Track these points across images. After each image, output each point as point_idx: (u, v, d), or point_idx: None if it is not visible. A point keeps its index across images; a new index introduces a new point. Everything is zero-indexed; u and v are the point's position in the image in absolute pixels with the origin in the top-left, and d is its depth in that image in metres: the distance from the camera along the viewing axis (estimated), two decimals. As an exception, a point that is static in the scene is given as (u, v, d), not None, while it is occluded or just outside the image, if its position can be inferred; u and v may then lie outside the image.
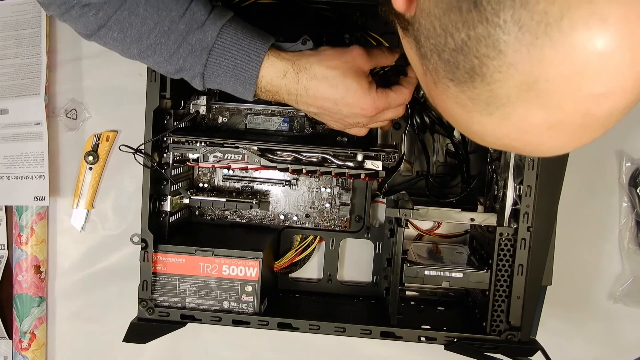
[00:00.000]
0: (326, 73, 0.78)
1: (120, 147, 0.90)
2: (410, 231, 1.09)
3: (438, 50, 0.48)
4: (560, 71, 0.41)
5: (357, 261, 1.11)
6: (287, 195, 1.07)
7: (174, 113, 0.94)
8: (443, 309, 1.04)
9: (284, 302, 1.04)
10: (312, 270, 1.11)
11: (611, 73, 0.41)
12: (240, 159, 0.90)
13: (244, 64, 0.77)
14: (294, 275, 1.10)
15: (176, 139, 0.92)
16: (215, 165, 0.92)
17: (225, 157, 0.91)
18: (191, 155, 0.93)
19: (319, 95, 0.78)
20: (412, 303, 1.06)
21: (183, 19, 0.76)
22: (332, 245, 1.08)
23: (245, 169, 0.94)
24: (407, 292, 1.09)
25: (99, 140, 1.11)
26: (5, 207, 1.14)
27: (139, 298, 0.91)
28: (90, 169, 1.11)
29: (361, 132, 0.86)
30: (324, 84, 0.78)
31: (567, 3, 0.39)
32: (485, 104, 0.47)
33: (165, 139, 0.93)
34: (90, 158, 1.10)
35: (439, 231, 1.10)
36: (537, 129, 0.46)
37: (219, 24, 0.77)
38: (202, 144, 0.91)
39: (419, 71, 0.56)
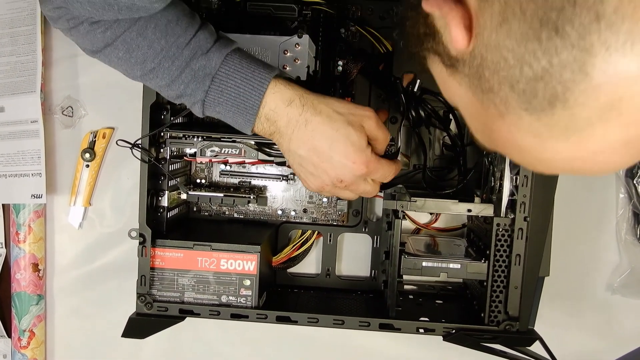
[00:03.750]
0: (331, 114, 0.77)
1: (118, 142, 0.90)
2: (408, 226, 1.09)
3: (510, 81, 0.47)
4: None
5: (355, 256, 1.12)
6: (284, 190, 1.07)
7: (171, 108, 0.93)
8: (441, 302, 1.04)
9: (283, 297, 1.04)
10: (310, 265, 1.11)
11: None
12: (237, 153, 0.90)
13: (246, 92, 0.77)
14: (292, 270, 1.10)
15: (173, 134, 0.92)
16: (213, 160, 0.92)
17: (223, 152, 0.91)
18: (188, 150, 0.94)
19: (317, 133, 0.77)
20: (411, 297, 1.06)
21: (189, 46, 0.77)
22: (330, 240, 1.08)
23: (243, 164, 0.94)
24: (406, 286, 1.10)
25: (95, 137, 1.11)
26: (3, 205, 1.14)
27: (137, 293, 0.91)
28: (87, 166, 1.11)
29: (336, 193, 0.85)
30: (326, 123, 0.77)
31: None
32: (563, 129, 0.46)
33: (162, 134, 0.93)
34: (87, 155, 1.10)
35: (436, 225, 1.10)
36: (612, 147, 0.46)
37: (224, 52, 0.77)
38: (199, 138, 0.91)
39: (475, 107, 0.54)
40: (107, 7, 0.71)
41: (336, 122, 0.77)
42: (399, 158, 1.00)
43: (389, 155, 0.89)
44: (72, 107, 1.11)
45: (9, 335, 1.14)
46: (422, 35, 0.60)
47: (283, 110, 0.77)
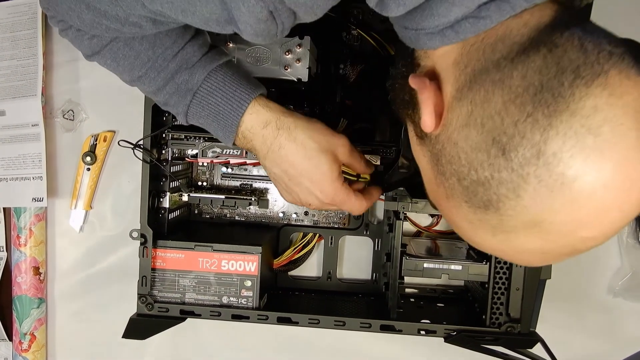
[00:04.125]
0: (306, 142, 0.77)
1: (120, 142, 0.90)
2: (409, 229, 1.09)
3: (459, 176, 0.55)
4: (564, 218, 0.50)
5: (356, 259, 1.11)
6: (285, 193, 1.07)
7: (172, 109, 0.94)
8: (442, 305, 1.04)
9: (284, 300, 1.03)
10: (311, 268, 1.11)
11: (601, 225, 0.50)
12: (238, 154, 0.90)
13: (226, 111, 0.77)
14: (293, 273, 1.10)
15: (175, 135, 0.93)
16: (214, 161, 0.92)
17: (224, 152, 0.91)
18: (190, 151, 0.94)
19: (289, 159, 0.77)
20: (412, 300, 1.06)
21: (175, 58, 0.77)
22: (331, 243, 1.08)
23: (244, 164, 0.94)
24: (407, 290, 1.09)
25: (96, 140, 1.11)
26: (4, 208, 1.14)
27: (138, 294, 0.91)
28: (88, 169, 1.11)
29: (309, 208, 0.85)
30: (299, 151, 0.77)
31: (581, 168, 0.47)
32: (492, 227, 0.54)
33: (164, 135, 0.93)
34: (88, 159, 1.10)
35: (437, 228, 1.10)
36: (531, 252, 0.55)
37: (209, 68, 0.77)
38: (201, 139, 0.91)
39: (430, 178, 0.62)
40: (95, 25, 0.71)
41: (309, 151, 0.77)
42: (399, 161, 1.01)
43: (377, 181, 0.89)
44: (73, 111, 1.12)
45: (10, 338, 1.14)
46: (404, 102, 0.66)
47: (259, 132, 0.77)
